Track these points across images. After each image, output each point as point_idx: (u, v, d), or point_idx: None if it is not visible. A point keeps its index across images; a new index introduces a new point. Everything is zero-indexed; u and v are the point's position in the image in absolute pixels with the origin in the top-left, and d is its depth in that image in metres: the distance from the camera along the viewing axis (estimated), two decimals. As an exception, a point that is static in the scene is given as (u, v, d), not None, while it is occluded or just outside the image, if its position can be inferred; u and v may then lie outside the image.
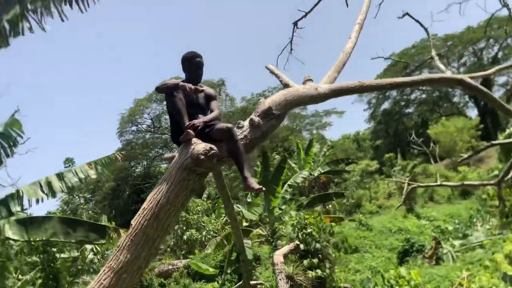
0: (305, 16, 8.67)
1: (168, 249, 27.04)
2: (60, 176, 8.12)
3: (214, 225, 25.20)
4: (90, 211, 40.76)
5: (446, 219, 26.06)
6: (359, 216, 27.67)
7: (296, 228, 8.68)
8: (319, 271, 7.90)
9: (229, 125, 3.96)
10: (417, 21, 8.01)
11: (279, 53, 9.22)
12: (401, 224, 26.47)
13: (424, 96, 54.58)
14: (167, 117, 50.08)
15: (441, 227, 24.47)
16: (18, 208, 7.48)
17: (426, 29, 8.16)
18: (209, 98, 4.41)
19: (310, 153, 25.18)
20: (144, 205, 3.80)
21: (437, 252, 16.42)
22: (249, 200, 17.79)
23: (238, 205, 15.32)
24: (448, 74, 6.35)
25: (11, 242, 8.06)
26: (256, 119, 4.22)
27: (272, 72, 5.68)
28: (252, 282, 8.11)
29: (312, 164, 26.44)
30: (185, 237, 25.16)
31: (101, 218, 19.98)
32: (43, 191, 7.78)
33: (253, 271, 15.59)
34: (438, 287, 11.52)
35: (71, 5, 6.11)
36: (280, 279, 6.38)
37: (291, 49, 9.15)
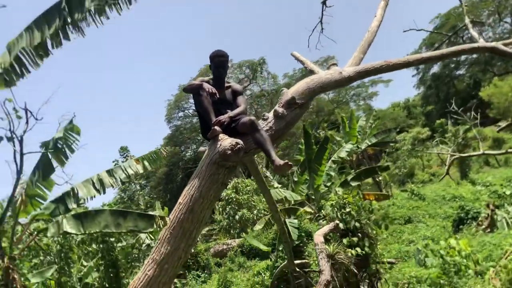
0: (332, -6, 8.58)
1: (222, 230, 27.87)
2: (110, 173, 8.71)
3: (265, 204, 25.58)
4: (146, 197, 42.45)
5: (504, 183, 24.97)
6: (411, 186, 27.15)
7: (335, 208, 8.81)
8: (358, 249, 8.02)
9: (252, 118, 4.11)
10: (449, -12, 7.72)
11: (310, 33, 9.19)
12: (455, 192, 25.75)
13: (475, 56, 51.95)
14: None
15: (498, 192, 23.52)
16: (74, 205, 8.12)
17: (458, -4, 7.86)
18: (236, 93, 4.56)
19: (353, 126, 24.82)
20: (180, 200, 4.06)
21: (493, 219, 15.97)
22: (295, 179, 17.95)
23: (280, 190, 15.50)
24: (481, 42, 6.17)
25: (72, 234, 8.77)
26: (280, 110, 4.36)
27: (297, 59, 5.77)
28: (296, 262, 8.35)
29: (358, 136, 26.12)
30: (237, 217, 25.82)
31: (154, 204, 20.89)
32: (95, 188, 8.40)
33: (305, 247, 15.76)
34: (490, 255, 11.28)
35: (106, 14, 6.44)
36: (321, 258, 6.57)
37: (322, 29, 9.11)
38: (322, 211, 10.07)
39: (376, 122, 28.61)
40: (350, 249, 7.85)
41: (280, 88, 47.08)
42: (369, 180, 28.11)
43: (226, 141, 3.96)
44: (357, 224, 8.39)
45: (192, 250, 23.49)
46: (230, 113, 4.28)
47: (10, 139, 6.79)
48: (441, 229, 21.02)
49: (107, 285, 10.37)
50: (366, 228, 8.49)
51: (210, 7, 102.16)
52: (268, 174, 22.82)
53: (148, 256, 4.15)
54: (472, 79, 53.40)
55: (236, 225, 26.46)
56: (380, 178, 27.10)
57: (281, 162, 3.96)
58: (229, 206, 26.40)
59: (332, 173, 16.88)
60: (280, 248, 16.39)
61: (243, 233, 24.93)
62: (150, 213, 8.66)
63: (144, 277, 3.88)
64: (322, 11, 8.85)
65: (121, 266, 10.63)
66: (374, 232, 8.79)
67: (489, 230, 15.55)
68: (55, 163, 7.85)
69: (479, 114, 28.87)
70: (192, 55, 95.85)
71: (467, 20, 7.58)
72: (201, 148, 4.61)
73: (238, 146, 3.89)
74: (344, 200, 8.78)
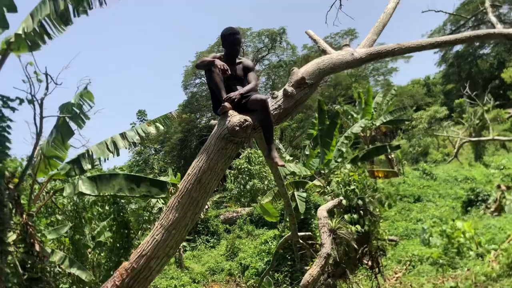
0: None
1: (233, 198, 28.37)
2: (123, 136, 9.00)
3: (276, 174, 25.79)
4: (160, 161, 43.06)
5: (518, 167, 24.81)
6: (423, 165, 27.12)
7: (341, 185, 9.01)
8: (358, 226, 8.25)
9: (263, 97, 4.23)
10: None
11: (328, 9, 9.15)
12: (467, 173, 25.69)
13: (500, 36, 50.37)
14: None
15: (512, 176, 23.38)
16: (89, 166, 8.45)
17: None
18: (247, 69, 4.66)
19: (369, 102, 24.61)
20: (189, 171, 4.28)
21: (501, 203, 16.03)
22: (307, 152, 18.10)
23: (290, 165, 15.66)
24: (498, 28, 6.16)
25: (87, 195, 9.15)
26: (290, 89, 4.47)
27: (311, 37, 5.84)
28: (301, 233, 8.60)
29: (374, 113, 25.98)
30: (248, 186, 26.21)
31: (168, 170, 21.33)
32: (109, 150, 8.70)
33: (312, 220, 16.05)
34: (493, 238, 11.41)
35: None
36: (323, 232, 6.80)
37: (340, 5, 9.06)
38: (328, 186, 10.26)
39: (393, 100, 28.31)
40: (351, 226, 8.07)
41: (298, 59, 46.68)
42: (382, 156, 28.14)
43: (235, 118, 4.12)
44: (360, 202, 8.59)
45: (202, 216, 24.06)
46: (241, 90, 4.39)
47: (30, 101, 7.06)
48: (450, 210, 21.12)
49: (118, 245, 10.86)
50: (369, 206, 8.68)
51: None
52: (280, 146, 22.99)
53: (158, 220, 4.41)
54: (496, 59, 52.18)
55: (246, 194, 26.89)
56: (392, 155, 27.07)
57: (280, 162, 4.17)
58: (241, 176, 26.77)
59: (344, 149, 16.97)
60: (288, 219, 16.68)
61: (253, 203, 25.39)
62: (163, 179, 8.96)
63: (152, 241, 4.14)
64: (342, -13, 8.80)
65: (132, 227, 11.10)
66: (377, 210, 8.97)
67: (496, 213, 15.63)
68: (73, 127, 8.15)
69: (493, 97, 28.33)
70: (212, 21, 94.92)
71: (487, 4, 7.47)
72: (212, 122, 4.77)
73: (247, 123, 4.05)
74: (350, 178, 8.96)
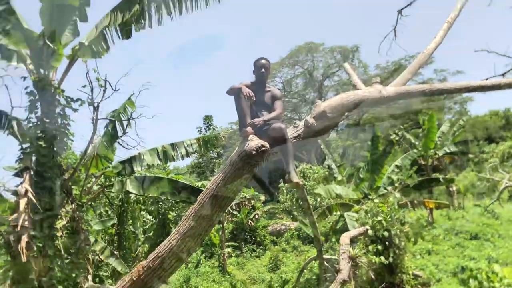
0: (409, 4, 8.64)
1: (285, 210, 28.56)
2: (173, 146, 9.68)
3: (329, 192, 25.63)
4: (221, 165, 44.02)
5: None
6: (486, 202, 25.83)
7: (369, 214, 9.00)
8: (382, 258, 8.19)
9: (282, 125, 4.57)
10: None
11: (382, 40, 9.32)
12: (535, 215, 24.17)
13: None
14: (298, 81, 50.70)
15: None
16: (139, 168, 9.19)
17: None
18: (274, 98, 5.02)
19: (432, 130, 23.79)
20: (208, 185, 4.71)
21: None
22: (361, 175, 17.99)
23: (337, 186, 15.68)
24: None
25: (132, 194, 9.92)
26: (310, 120, 4.77)
27: (346, 71, 6.09)
28: (325, 257, 8.75)
29: (437, 142, 25.15)
30: (300, 201, 26.27)
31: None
32: (158, 157, 9.41)
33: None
34: (537, 290, 10.75)
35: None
36: (342, 259, 6.91)
37: (395, 36, 9.20)
38: (356, 214, 10.27)
39: (460, 130, 27.21)
40: (374, 256, 8.07)
41: (369, 78, 45.90)
42: (444, 187, 27.14)
43: (253, 142, 4.47)
44: (385, 234, 8.55)
45: (252, 224, 24.53)
46: (265, 117, 4.75)
47: (90, 103, 7.87)
48: (509, 252, 19.99)
49: (156, 243, 11.55)
50: (395, 238, 8.61)
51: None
52: (333, 165, 22.95)
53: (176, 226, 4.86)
54: None
55: (298, 209, 26.95)
56: (454, 187, 26.04)
57: (295, 179, 4.45)
58: (293, 189, 26.87)
59: (394, 177, 16.69)
60: (333, 240, 16.69)
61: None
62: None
63: (168, 245, 4.61)
64: (397, 19, 8.92)
65: (169, 228, 11.77)
66: (403, 243, 8.87)
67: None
68: (119, 131, 8.93)
69: None
70: (287, 33, 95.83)
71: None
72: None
73: (264, 148, 4.38)
74: (378, 209, 8.95)
